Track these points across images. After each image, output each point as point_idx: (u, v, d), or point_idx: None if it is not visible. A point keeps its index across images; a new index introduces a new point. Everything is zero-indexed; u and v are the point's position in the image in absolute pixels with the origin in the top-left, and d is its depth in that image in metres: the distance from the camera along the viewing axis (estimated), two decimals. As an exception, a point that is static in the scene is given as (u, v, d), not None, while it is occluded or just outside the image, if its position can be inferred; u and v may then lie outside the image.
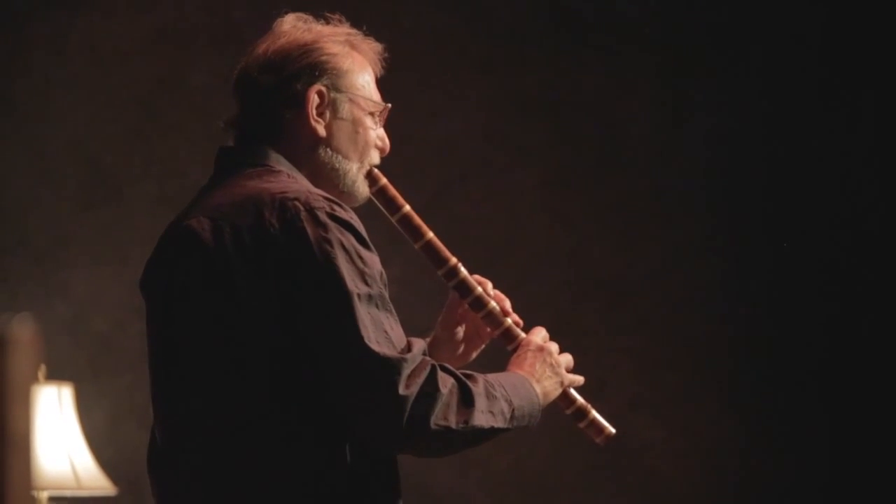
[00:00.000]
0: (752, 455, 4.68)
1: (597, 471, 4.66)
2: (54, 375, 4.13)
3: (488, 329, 2.54)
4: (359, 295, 2.17)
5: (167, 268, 2.29)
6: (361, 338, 2.15)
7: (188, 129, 4.65)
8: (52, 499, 4.05)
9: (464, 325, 2.58)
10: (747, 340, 4.72)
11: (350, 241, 2.20)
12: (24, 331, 1.26)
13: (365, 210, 2.40)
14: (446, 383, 2.21)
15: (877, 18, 4.72)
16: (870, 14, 4.72)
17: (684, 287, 4.73)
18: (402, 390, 2.15)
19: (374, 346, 2.16)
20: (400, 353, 2.18)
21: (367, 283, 2.19)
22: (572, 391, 2.50)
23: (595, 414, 2.53)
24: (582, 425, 2.54)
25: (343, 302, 2.16)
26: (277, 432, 2.19)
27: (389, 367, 2.16)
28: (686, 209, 4.76)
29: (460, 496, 4.63)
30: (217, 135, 4.99)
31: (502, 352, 2.53)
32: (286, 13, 2.47)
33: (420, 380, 2.17)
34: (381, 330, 2.18)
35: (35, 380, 4.09)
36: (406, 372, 2.16)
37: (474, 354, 2.60)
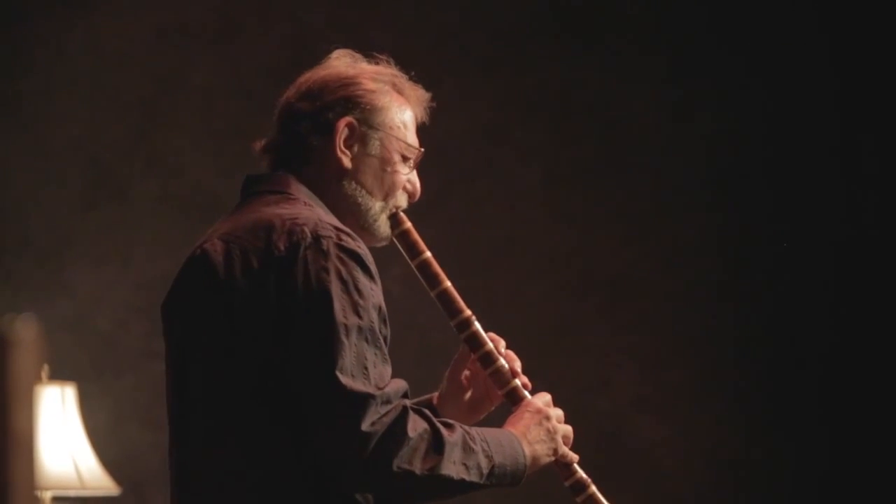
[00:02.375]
0: (755, 453, 4.68)
1: (600, 470, 4.64)
2: (57, 375, 4.13)
3: (497, 391, 2.47)
4: (346, 326, 2.15)
5: (183, 291, 2.31)
6: (334, 369, 2.12)
7: (190, 128, 4.65)
8: (55, 499, 4.05)
9: (472, 384, 2.51)
10: (750, 339, 4.72)
11: (350, 271, 2.19)
12: (26, 331, 1.26)
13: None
14: (417, 427, 2.16)
15: (880, 17, 4.71)
16: (873, 13, 4.71)
17: (687, 286, 4.73)
18: (365, 427, 2.12)
19: (344, 379, 2.12)
20: (373, 389, 2.14)
21: (358, 315, 2.17)
22: (574, 465, 2.46)
23: (594, 489, 2.49)
24: (579, 500, 2.48)
25: (328, 331, 2.14)
26: (278, 454, 2.18)
27: (356, 402, 2.12)
28: (689, 208, 4.75)
29: (462, 496, 4.62)
30: (219, 134, 5.00)
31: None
32: (335, 49, 2.46)
33: (387, 420, 2.13)
34: (361, 364, 2.15)
35: (38, 380, 4.08)
36: (373, 409, 2.12)
37: (482, 416, 2.53)
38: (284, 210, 2.27)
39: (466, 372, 2.51)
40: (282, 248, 2.19)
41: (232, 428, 2.20)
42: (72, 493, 4.04)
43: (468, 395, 2.51)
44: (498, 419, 2.44)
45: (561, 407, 2.45)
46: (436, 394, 2.53)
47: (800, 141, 4.76)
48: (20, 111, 4.62)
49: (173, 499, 2.30)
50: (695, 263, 4.74)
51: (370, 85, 2.40)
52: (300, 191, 2.34)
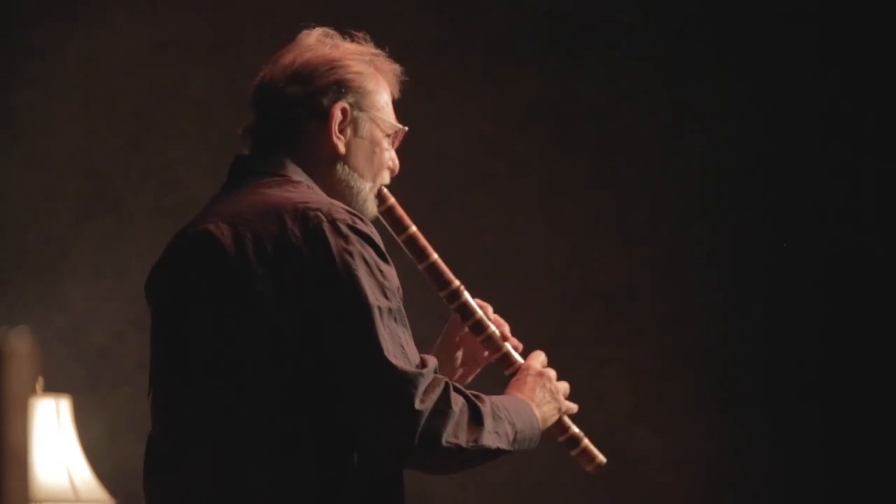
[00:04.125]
0: (749, 465, 4.67)
1: (594, 481, 4.64)
2: (52, 388, 4.12)
3: (486, 353, 2.56)
4: (379, 308, 2.18)
5: (179, 270, 2.30)
6: (381, 351, 2.16)
7: (186, 140, 4.64)
8: (50, 511, 4.05)
9: (462, 349, 2.60)
10: (745, 351, 4.71)
11: (370, 254, 2.22)
12: (21, 343, 1.26)
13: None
14: (457, 401, 2.22)
15: (876, 24, 4.72)
16: (869, 20, 4.72)
17: (682, 297, 4.73)
18: (417, 405, 2.16)
19: (393, 360, 2.16)
20: (416, 368, 2.19)
21: (386, 297, 2.20)
22: (566, 419, 2.53)
23: (587, 442, 2.57)
24: (574, 453, 2.57)
25: (364, 315, 2.17)
26: (285, 441, 2.19)
27: (407, 381, 2.16)
28: (684, 219, 4.75)
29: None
30: (215, 146, 5.01)
31: (498, 373, 2.55)
32: (312, 26, 2.49)
33: (434, 396, 2.18)
34: (398, 344, 2.19)
35: (33, 392, 4.07)
36: (422, 387, 2.17)
37: (470, 378, 2.62)
38: (291, 193, 2.27)
39: (457, 339, 2.59)
40: (298, 233, 2.20)
41: (237, 406, 2.20)
42: (66, 506, 4.02)
43: (459, 360, 2.60)
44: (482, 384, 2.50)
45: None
46: None
47: (794, 152, 4.76)
48: (15, 123, 4.62)
49: (157, 474, 2.28)
50: (690, 275, 4.74)
51: (358, 67, 2.42)
52: (299, 174, 2.35)
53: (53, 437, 4.02)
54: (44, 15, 4.65)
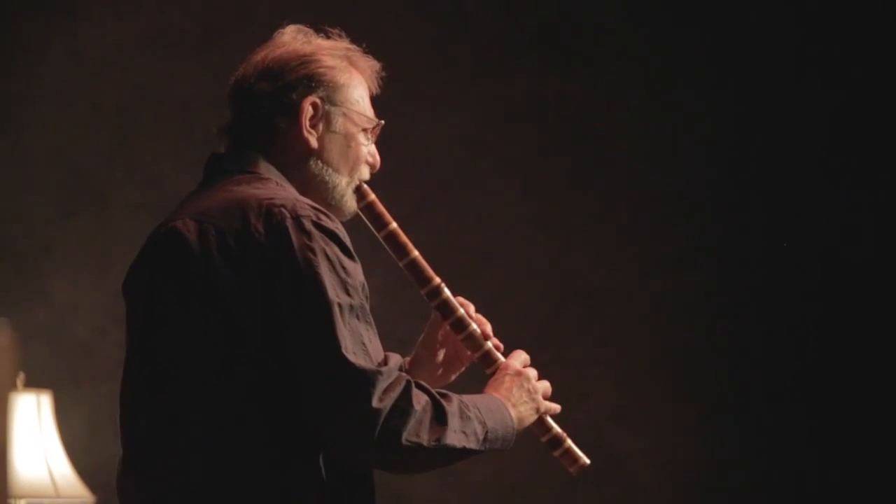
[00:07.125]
0: (730, 466, 4.68)
1: (576, 481, 4.64)
2: (33, 383, 4.11)
3: (468, 352, 2.54)
4: (339, 305, 2.17)
5: (150, 268, 2.29)
6: (339, 347, 2.15)
7: (170, 136, 4.64)
8: (29, 506, 4.04)
9: (444, 348, 2.58)
10: (727, 352, 4.72)
11: (334, 250, 2.21)
12: (2, 337, 1.26)
13: (348, 220, 2.41)
14: (420, 400, 2.20)
15: (861, 28, 4.73)
16: (854, 23, 4.73)
17: (665, 298, 4.73)
18: (375, 403, 2.15)
19: (351, 357, 2.15)
20: (376, 366, 2.17)
21: (348, 294, 2.19)
22: (549, 419, 2.51)
23: (570, 443, 2.55)
24: (557, 454, 2.55)
25: (323, 311, 2.16)
26: (253, 439, 2.18)
27: (364, 379, 2.15)
28: (668, 220, 4.76)
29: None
30: (199, 142, 4.98)
31: (481, 373, 2.53)
32: (286, 24, 2.49)
33: (394, 394, 2.17)
34: (359, 342, 2.18)
35: (13, 387, 4.07)
36: (381, 385, 2.16)
37: (453, 377, 2.60)
38: (258, 190, 2.27)
39: (439, 338, 2.57)
40: (261, 229, 2.19)
41: (203, 405, 2.19)
42: (46, 501, 4.02)
43: (441, 358, 2.58)
44: (465, 384, 2.49)
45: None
46: (407, 358, 2.56)
47: (779, 151, 4.77)
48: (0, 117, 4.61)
49: (127, 475, 2.27)
50: (673, 276, 4.75)
51: (329, 61, 2.41)
52: (270, 171, 2.34)
53: (34, 432, 4.01)
54: (28, 10, 4.64)
